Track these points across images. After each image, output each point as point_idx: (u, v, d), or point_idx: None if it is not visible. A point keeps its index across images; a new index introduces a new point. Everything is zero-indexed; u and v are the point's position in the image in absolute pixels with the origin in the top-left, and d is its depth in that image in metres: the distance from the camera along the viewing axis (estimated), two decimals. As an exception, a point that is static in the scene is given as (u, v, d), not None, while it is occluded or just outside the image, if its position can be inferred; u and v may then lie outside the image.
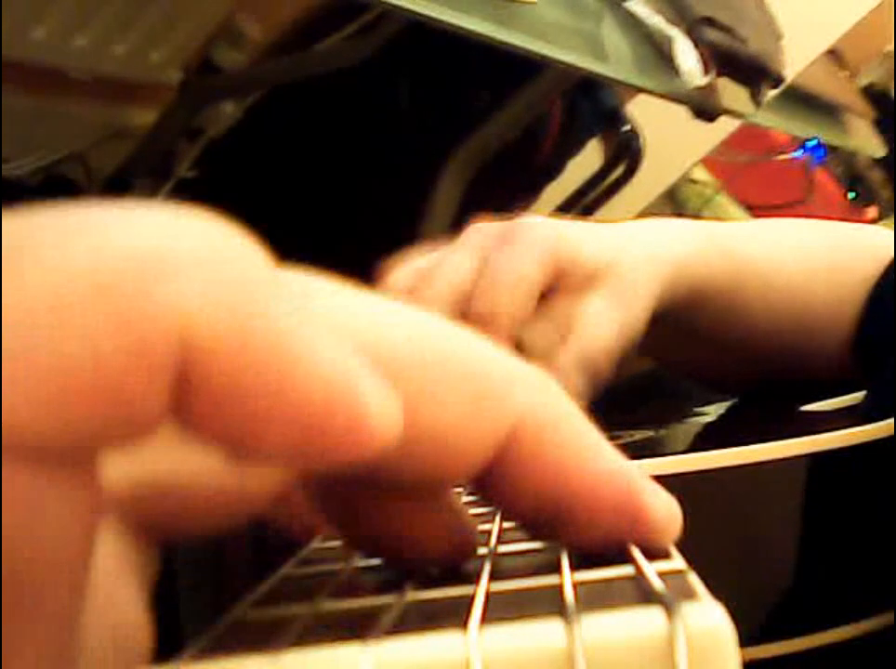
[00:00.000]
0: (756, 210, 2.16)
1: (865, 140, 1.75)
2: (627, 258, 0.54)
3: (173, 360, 0.15)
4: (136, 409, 0.15)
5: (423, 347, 0.20)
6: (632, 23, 1.04)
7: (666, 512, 0.21)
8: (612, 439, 0.32)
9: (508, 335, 0.50)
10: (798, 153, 2.19)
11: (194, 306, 0.15)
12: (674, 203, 2.09)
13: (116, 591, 0.20)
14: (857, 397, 0.54)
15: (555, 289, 0.52)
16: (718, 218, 2.08)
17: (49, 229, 0.15)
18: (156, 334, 0.15)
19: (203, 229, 0.16)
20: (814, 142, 2.15)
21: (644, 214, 1.60)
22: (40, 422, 0.14)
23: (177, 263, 0.15)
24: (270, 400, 0.16)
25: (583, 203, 1.66)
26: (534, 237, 0.52)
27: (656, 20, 1.04)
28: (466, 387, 0.20)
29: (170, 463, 0.21)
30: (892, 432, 0.44)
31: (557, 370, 0.50)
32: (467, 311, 0.51)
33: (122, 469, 0.20)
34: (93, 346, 0.14)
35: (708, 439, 0.54)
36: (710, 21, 1.04)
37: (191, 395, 0.15)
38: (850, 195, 2.30)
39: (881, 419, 0.44)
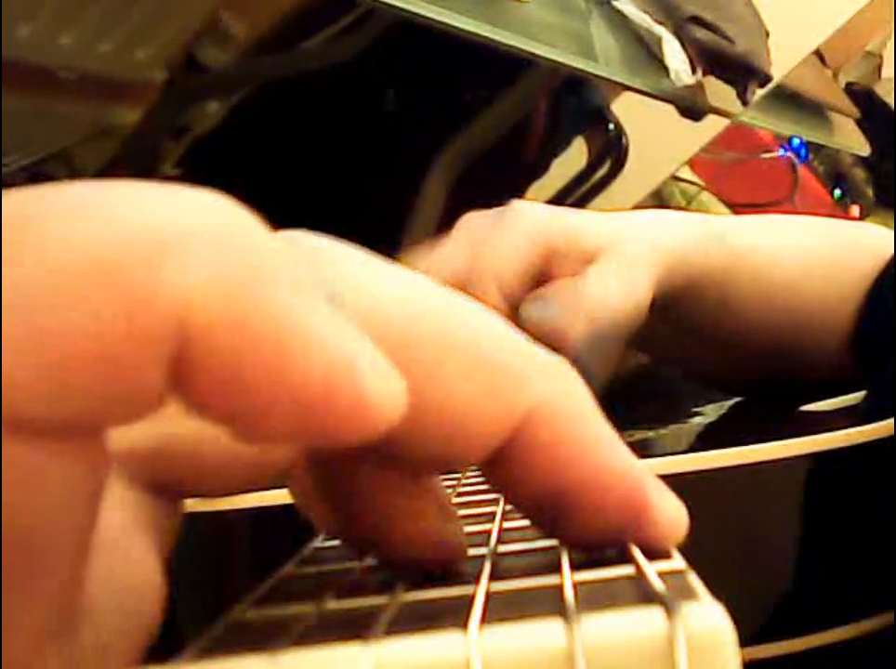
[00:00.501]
0: (740, 208, 2.16)
1: (850, 139, 1.75)
2: (626, 243, 0.53)
3: (172, 337, 0.15)
4: (134, 384, 0.15)
5: (439, 323, 0.20)
6: (620, 22, 1.04)
7: (673, 515, 0.21)
8: None
9: (506, 318, 0.50)
10: (783, 152, 2.19)
11: (196, 284, 0.15)
12: (658, 200, 2.09)
13: (129, 550, 0.20)
14: (857, 397, 0.54)
15: (552, 274, 0.52)
16: (703, 216, 2.08)
17: (53, 204, 0.15)
18: (156, 311, 0.15)
19: (207, 204, 0.16)
20: (798, 141, 2.16)
21: (630, 212, 1.60)
22: (37, 394, 0.14)
23: (180, 240, 0.15)
24: (270, 382, 0.16)
25: (568, 202, 1.66)
26: (525, 220, 0.52)
27: (644, 19, 1.04)
28: (481, 368, 0.20)
29: (186, 424, 0.21)
30: (892, 432, 0.44)
31: (567, 339, 0.49)
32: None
33: (140, 426, 0.20)
34: (92, 318, 0.14)
35: (708, 439, 0.54)
36: (697, 20, 1.04)
37: (191, 374, 0.15)
38: (835, 193, 2.31)
39: (881, 419, 0.44)
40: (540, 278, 0.52)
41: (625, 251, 0.53)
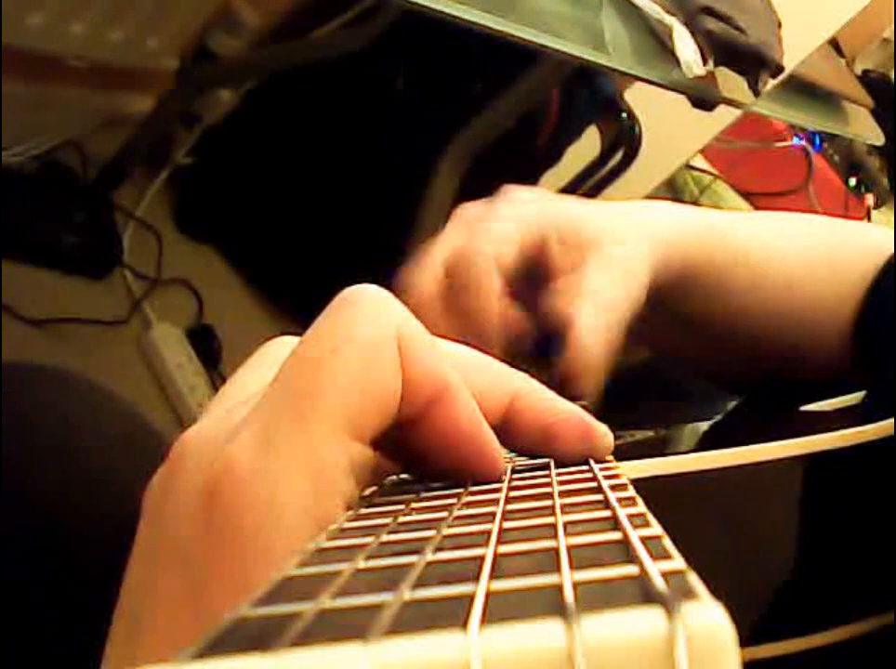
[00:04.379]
0: (754, 197, 2.15)
1: (864, 129, 1.74)
2: (623, 233, 0.54)
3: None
4: (396, 404, 0.28)
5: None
6: (631, 12, 1.03)
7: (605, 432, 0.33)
8: (613, 438, 0.33)
9: (499, 291, 0.51)
10: (797, 140, 2.19)
11: (400, 329, 0.29)
12: (672, 189, 2.09)
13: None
14: (857, 397, 0.54)
15: (546, 259, 0.53)
16: (716, 205, 2.07)
17: (357, 310, 0.28)
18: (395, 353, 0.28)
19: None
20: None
21: (642, 201, 1.59)
22: (365, 415, 0.27)
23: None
24: (451, 433, 0.29)
25: (581, 191, 1.66)
26: (517, 203, 0.54)
27: (655, 10, 1.03)
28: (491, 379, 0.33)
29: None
30: (892, 432, 0.44)
31: (580, 334, 0.50)
32: (457, 280, 0.52)
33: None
34: (387, 383, 0.28)
35: (708, 439, 0.54)
36: (709, 11, 1.04)
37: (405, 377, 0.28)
38: (850, 182, 2.30)
39: (881, 419, 0.44)
40: (536, 261, 0.53)
41: (622, 242, 0.53)
